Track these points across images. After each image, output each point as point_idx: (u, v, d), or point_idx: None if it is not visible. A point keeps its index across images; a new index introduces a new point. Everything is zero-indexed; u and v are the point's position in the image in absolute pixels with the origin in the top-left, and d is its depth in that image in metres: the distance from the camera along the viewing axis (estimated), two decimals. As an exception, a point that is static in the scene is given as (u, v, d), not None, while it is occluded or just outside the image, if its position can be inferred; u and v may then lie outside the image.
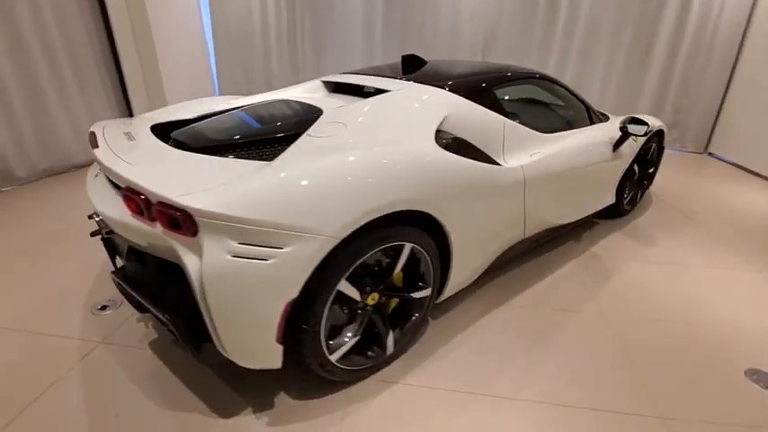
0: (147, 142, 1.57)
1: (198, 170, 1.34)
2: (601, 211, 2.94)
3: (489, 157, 1.93)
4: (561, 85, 2.57)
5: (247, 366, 1.33)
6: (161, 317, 1.27)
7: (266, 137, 1.62)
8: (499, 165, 1.94)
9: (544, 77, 2.48)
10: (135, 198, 1.20)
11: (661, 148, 3.25)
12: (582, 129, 2.52)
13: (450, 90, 1.96)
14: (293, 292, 1.22)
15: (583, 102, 2.66)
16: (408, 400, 1.55)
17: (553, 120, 2.68)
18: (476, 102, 1.98)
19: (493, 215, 1.87)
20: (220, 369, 1.64)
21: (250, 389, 1.57)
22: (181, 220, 1.13)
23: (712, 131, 4.95)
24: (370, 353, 1.61)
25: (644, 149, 3.02)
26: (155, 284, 1.35)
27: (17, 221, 2.90)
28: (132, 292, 1.37)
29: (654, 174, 3.33)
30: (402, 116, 1.73)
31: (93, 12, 4.00)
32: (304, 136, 1.57)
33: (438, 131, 1.75)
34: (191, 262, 1.16)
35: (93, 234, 1.63)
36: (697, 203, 3.52)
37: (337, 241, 1.25)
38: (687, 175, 4.32)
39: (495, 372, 1.69)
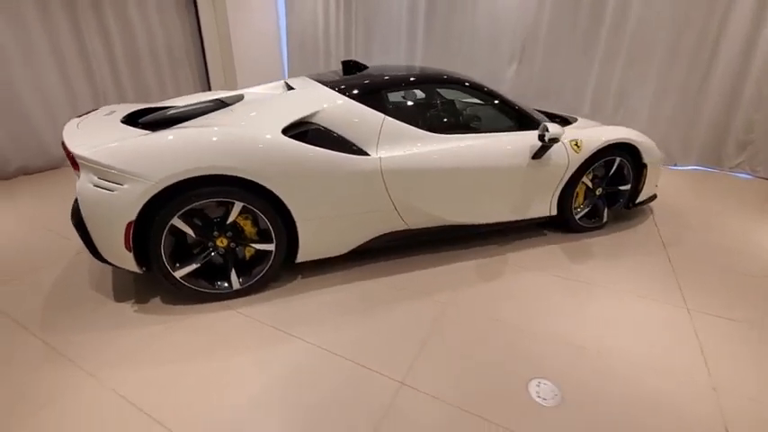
0: (113, 118, 2.36)
1: (114, 136, 2.04)
2: (554, 222, 2.88)
3: (357, 147, 2.25)
4: (487, 92, 2.65)
5: (118, 266, 2.00)
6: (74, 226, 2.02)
7: (188, 118, 2.25)
8: (368, 155, 2.24)
9: (462, 83, 2.62)
10: (63, 146, 1.97)
11: (641, 165, 2.93)
12: (498, 134, 2.56)
13: (338, 91, 2.34)
14: (131, 216, 1.83)
15: (513, 107, 2.68)
16: (234, 323, 2.03)
17: (459, 123, 2.74)
18: (360, 101, 2.32)
19: (344, 196, 2.19)
20: (138, 275, 2.36)
21: (142, 290, 2.25)
22: (71, 160, 1.84)
23: (797, 157, 3.97)
24: (218, 283, 2.14)
25: (605, 163, 2.83)
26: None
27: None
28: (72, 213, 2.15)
29: (633, 193, 3.02)
30: (273, 109, 2.21)
31: (192, 30, 5.33)
32: (202, 117, 2.18)
33: (302, 122, 2.17)
34: (77, 188, 1.87)
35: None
36: (703, 235, 3.05)
37: (161, 186, 1.81)
38: (733, 204, 3.63)
39: (314, 320, 2.04)
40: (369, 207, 2.28)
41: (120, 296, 2.21)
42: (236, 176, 1.93)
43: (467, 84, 2.61)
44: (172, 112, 2.26)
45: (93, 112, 2.48)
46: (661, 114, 4.52)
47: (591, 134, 2.73)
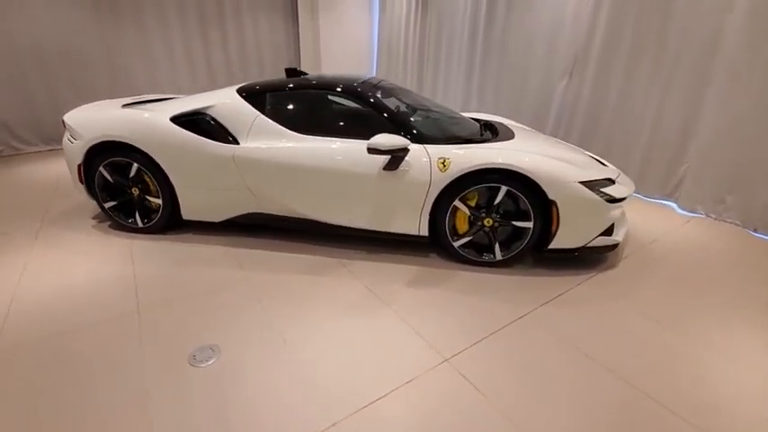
0: (120, 102, 3.51)
1: (106, 111, 3.14)
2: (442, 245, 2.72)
3: (233, 136, 2.76)
4: (365, 101, 2.74)
5: (82, 195, 3.10)
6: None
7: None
8: (238, 144, 2.73)
9: (350, 93, 2.78)
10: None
11: (548, 201, 2.38)
12: (360, 140, 2.60)
13: (238, 92, 2.90)
14: (79, 160, 2.87)
15: (388, 117, 2.66)
16: (120, 245, 2.88)
17: (329, 126, 2.82)
18: (247, 100, 2.83)
19: (208, 173, 2.74)
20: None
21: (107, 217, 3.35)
22: (63, 123, 3.02)
23: None
24: (131, 219, 3.03)
25: (488, 190, 2.46)
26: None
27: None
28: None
29: (544, 232, 2.47)
30: (181, 101, 2.95)
31: (295, 38, 6.65)
32: (158, 103, 3.12)
33: (196, 113, 2.82)
34: (63, 140, 3.03)
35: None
36: (623, 315, 2.29)
37: (91, 144, 2.78)
38: (750, 294, 2.43)
39: (156, 260, 2.71)
40: (229, 186, 2.77)
41: (95, 216, 3.37)
42: (133, 145, 2.75)
43: (344, 92, 2.76)
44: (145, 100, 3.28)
45: (124, 98, 3.75)
46: (744, 156, 3.23)
47: (469, 154, 2.44)
